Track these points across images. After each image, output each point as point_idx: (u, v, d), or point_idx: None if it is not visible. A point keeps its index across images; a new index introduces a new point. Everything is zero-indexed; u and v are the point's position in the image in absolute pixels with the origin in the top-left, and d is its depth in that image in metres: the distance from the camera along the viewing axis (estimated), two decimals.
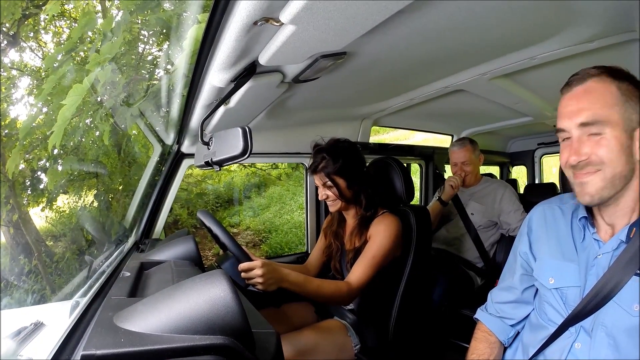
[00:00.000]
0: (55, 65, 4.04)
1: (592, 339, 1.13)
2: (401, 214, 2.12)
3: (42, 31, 5.59)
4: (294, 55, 1.27)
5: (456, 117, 3.55)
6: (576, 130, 1.11)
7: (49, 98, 3.95)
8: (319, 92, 2.04)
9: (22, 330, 1.13)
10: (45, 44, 5.69)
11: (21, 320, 1.19)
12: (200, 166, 1.63)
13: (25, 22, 5.03)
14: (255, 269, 1.61)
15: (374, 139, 3.30)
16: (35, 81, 5.09)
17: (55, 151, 4.28)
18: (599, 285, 1.11)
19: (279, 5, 0.94)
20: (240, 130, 1.21)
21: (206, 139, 1.47)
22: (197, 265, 1.44)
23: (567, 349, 1.17)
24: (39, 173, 4.71)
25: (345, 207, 2.10)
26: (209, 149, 1.44)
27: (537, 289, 1.38)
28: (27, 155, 4.41)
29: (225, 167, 1.68)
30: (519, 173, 5.75)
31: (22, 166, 4.47)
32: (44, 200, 5.02)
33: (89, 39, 4.12)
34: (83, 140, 4.62)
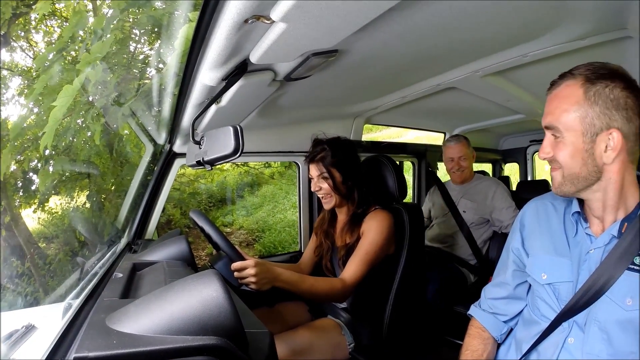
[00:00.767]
0: (46, 64, 4.02)
1: (585, 333, 1.14)
2: (394, 211, 2.12)
3: (33, 30, 5.56)
4: (285, 53, 1.27)
5: (448, 115, 3.55)
6: (545, 130, 1.20)
7: (40, 98, 3.92)
8: (311, 90, 2.04)
9: (14, 333, 1.13)
10: (36, 43, 5.66)
11: (13, 323, 1.18)
12: (192, 165, 1.63)
13: (16, 22, 5.00)
14: (248, 269, 1.59)
15: (366, 137, 3.30)
16: (26, 81, 5.06)
17: (47, 152, 4.25)
18: (592, 280, 1.13)
19: (269, 3, 0.93)
20: (231, 129, 1.21)
21: (198, 138, 1.47)
22: (189, 265, 1.43)
23: (561, 344, 1.18)
24: (30, 174, 4.68)
25: (339, 204, 2.10)
26: (200, 148, 1.44)
27: (530, 285, 1.39)
28: (18, 156, 4.38)
29: (217, 166, 1.67)
30: (512, 170, 5.78)
31: (13, 167, 4.44)
32: (35, 201, 4.99)
33: (79, 38, 4.10)
34: (74, 140, 4.60)
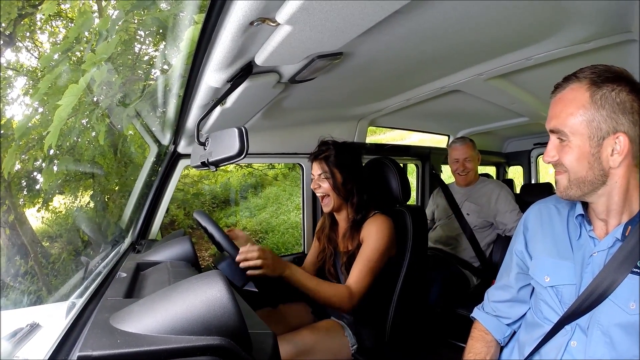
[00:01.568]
0: (51, 64, 4.03)
1: (587, 337, 1.14)
2: (397, 214, 2.13)
3: (38, 31, 5.57)
4: (290, 55, 1.27)
5: (452, 118, 3.55)
6: (550, 134, 1.19)
7: (45, 98, 3.93)
8: (316, 93, 2.04)
9: (18, 331, 1.13)
10: (42, 43, 5.67)
11: (17, 321, 1.18)
12: (197, 167, 1.63)
13: (22, 22, 5.01)
14: (250, 252, 1.62)
15: (370, 139, 3.30)
16: (31, 81, 5.08)
17: (51, 152, 4.26)
18: (595, 283, 1.12)
19: (275, 6, 0.94)
20: (236, 130, 1.21)
21: (202, 140, 1.47)
22: (193, 265, 1.43)
23: (563, 347, 1.18)
24: (35, 173, 4.70)
25: (338, 207, 2.10)
26: (205, 149, 1.44)
27: (533, 288, 1.39)
28: (23, 156, 4.39)
29: (221, 168, 1.68)
30: (515, 173, 5.76)
31: (17, 166, 4.46)
32: (40, 200, 5.00)
33: (85, 38, 4.11)
34: (79, 140, 4.61)
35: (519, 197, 3.54)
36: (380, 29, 1.27)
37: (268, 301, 2.22)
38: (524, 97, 2.64)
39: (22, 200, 4.81)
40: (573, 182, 1.16)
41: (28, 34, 5.43)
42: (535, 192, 4.10)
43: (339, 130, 2.90)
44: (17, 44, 5.14)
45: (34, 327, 1.18)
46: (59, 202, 5.37)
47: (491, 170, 5.28)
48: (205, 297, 0.74)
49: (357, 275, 1.90)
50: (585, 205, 1.25)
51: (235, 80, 1.37)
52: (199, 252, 7.80)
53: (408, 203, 2.28)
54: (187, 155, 2.32)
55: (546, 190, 4.09)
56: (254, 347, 0.78)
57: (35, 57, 5.45)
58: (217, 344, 0.69)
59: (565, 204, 1.33)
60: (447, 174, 3.71)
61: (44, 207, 5.18)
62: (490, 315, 1.48)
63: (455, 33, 1.50)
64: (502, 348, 1.48)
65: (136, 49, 5.22)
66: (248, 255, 1.61)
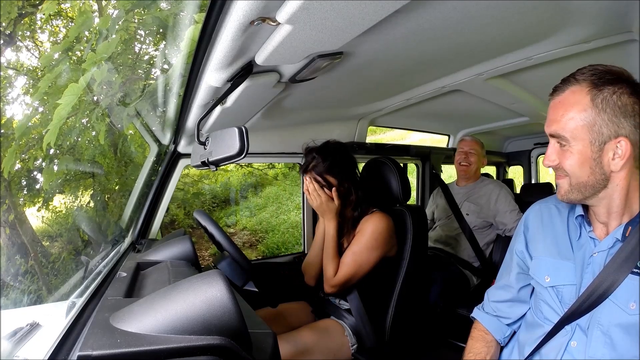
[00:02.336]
0: (51, 64, 4.03)
1: (588, 337, 1.14)
2: (397, 213, 2.13)
3: (39, 30, 5.57)
4: (290, 55, 1.27)
5: (453, 117, 3.56)
6: (550, 137, 1.18)
7: (45, 97, 3.93)
8: (316, 92, 2.04)
9: (18, 331, 1.13)
10: (42, 43, 5.67)
11: (17, 320, 1.18)
12: (197, 166, 1.63)
13: (22, 22, 5.01)
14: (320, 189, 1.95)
15: (370, 139, 3.31)
16: (31, 81, 5.07)
17: (52, 151, 4.26)
18: (595, 284, 1.12)
19: (275, 5, 0.94)
20: (236, 130, 1.21)
21: (202, 139, 1.47)
22: (193, 265, 1.43)
23: (563, 347, 1.18)
24: (35, 173, 4.69)
25: (340, 209, 2.09)
26: (205, 148, 1.44)
27: (533, 288, 1.39)
28: (23, 155, 4.39)
29: (221, 167, 1.68)
30: (516, 173, 5.76)
31: (17, 166, 4.45)
32: (40, 200, 5.00)
33: (85, 38, 4.10)
34: (79, 140, 4.60)
35: (519, 197, 3.55)
36: (381, 29, 1.27)
37: (268, 301, 2.22)
38: (524, 97, 2.64)
39: (22, 199, 4.81)
40: (574, 186, 1.15)
41: (28, 33, 5.43)
42: (536, 192, 4.10)
43: (339, 130, 2.90)
44: (17, 43, 5.13)
45: (33, 327, 1.18)
46: (59, 201, 5.37)
47: (491, 170, 5.28)
48: (205, 296, 0.74)
49: (340, 266, 1.98)
50: (586, 206, 1.25)
51: (235, 80, 1.37)
52: (199, 252, 7.81)
53: (408, 203, 2.28)
54: (187, 155, 2.32)
55: (546, 190, 4.09)
56: (254, 346, 0.79)
57: (36, 57, 5.45)
58: (217, 344, 0.70)
59: (566, 204, 1.33)
60: (447, 174, 3.72)
61: (44, 207, 5.17)
62: (490, 315, 1.48)
63: (456, 33, 1.50)
64: (502, 348, 1.48)
65: (136, 49, 5.22)
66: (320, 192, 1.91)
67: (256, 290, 1.70)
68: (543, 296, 1.28)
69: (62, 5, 5.36)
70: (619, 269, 1.09)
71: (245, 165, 9.93)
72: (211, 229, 1.74)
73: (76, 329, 1.01)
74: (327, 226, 2.02)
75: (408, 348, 2.20)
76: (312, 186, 2.01)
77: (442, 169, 4.21)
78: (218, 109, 1.70)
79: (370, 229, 1.97)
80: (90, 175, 5.11)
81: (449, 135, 4.21)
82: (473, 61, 1.96)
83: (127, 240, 2.21)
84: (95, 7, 4.70)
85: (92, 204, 5.12)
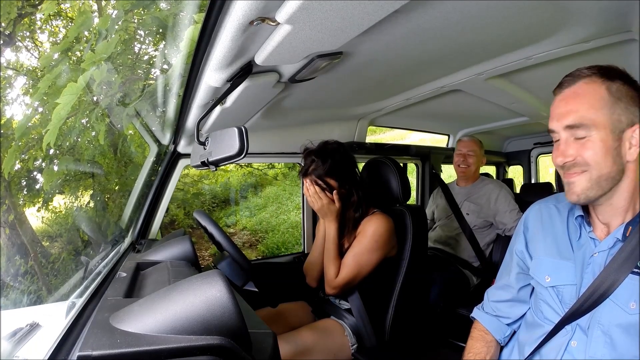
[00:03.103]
0: (51, 64, 4.03)
1: (588, 337, 1.14)
2: (397, 213, 2.13)
3: (38, 31, 5.57)
4: (290, 55, 1.27)
5: (452, 117, 3.56)
6: (563, 132, 1.14)
7: (45, 98, 3.93)
8: (315, 92, 2.04)
9: (18, 331, 1.13)
10: (41, 43, 5.67)
11: (17, 321, 1.18)
12: (197, 166, 1.63)
13: (21, 22, 5.01)
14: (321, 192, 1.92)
15: (370, 138, 3.31)
16: (31, 81, 5.07)
17: (51, 151, 4.26)
18: (596, 284, 1.12)
19: (275, 5, 0.94)
20: (236, 130, 1.21)
21: (202, 139, 1.47)
22: (193, 265, 1.43)
23: (564, 347, 1.18)
24: (34, 173, 4.69)
25: (342, 210, 2.09)
26: (205, 149, 1.44)
27: (533, 288, 1.39)
28: (22, 155, 4.39)
29: (221, 167, 1.68)
30: (515, 173, 5.76)
31: (17, 166, 4.45)
32: (39, 200, 5.00)
33: (85, 38, 4.10)
34: (79, 140, 4.60)
35: (518, 197, 3.54)
36: (380, 29, 1.27)
37: (268, 301, 2.22)
38: (524, 96, 2.64)
39: (22, 200, 4.81)
40: (595, 181, 1.11)
41: (28, 33, 5.43)
42: (535, 191, 4.10)
43: (338, 129, 2.90)
44: (16, 43, 5.13)
45: (33, 327, 1.18)
46: (59, 201, 5.37)
47: (491, 169, 5.29)
48: (205, 296, 0.74)
49: (342, 268, 1.99)
50: (585, 206, 1.24)
51: (235, 80, 1.37)
52: (199, 252, 7.81)
53: (408, 203, 2.28)
54: (187, 155, 2.32)
55: (546, 190, 4.10)
56: (253, 346, 0.79)
57: (35, 57, 5.45)
58: (217, 344, 0.70)
59: (565, 204, 1.33)
60: (447, 174, 3.73)
61: (44, 207, 5.17)
62: (490, 315, 1.48)
63: (456, 33, 1.50)
64: (502, 348, 1.48)
65: (136, 49, 5.22)
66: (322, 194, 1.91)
67: (256, 290, 1.70)
68: (543, 296, 1.28)
69: (62, 6, 5.36)
70: (620, 269, 1.09)
71: (245, 165, 9.93)
72: (211, 229, 1.74)
73: (76, 329, 1.01)
74: (328, 228, 2.02)
75: (408, 348, 2.20)
76: (313, 189, 2.00)
77: (442, 168, 4.21)
78: (218, 109, 1.70)
79: (372, 231, 1.97)
80: (90, 175, 5.11)
81: (448, 135, 4.21)
82: (473, 61, 1.96)
83: (127, 241, 2.21)
84: (95, 7, 4.70)
85: (92, 204, 5.12)
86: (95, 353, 0.66)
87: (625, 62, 1.17)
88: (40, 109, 4.37)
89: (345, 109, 2.67)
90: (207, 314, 0.72)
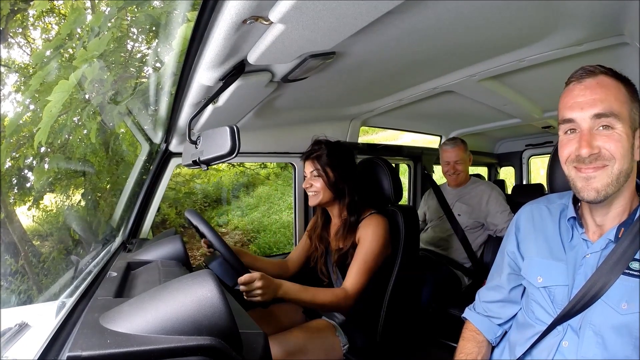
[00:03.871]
0: (43, 61, 4.00)
1: (579, 337, 1.14)
2: (389, 214, 2.13)
3: (31, 27, 5.53)
4: (283, 54, 1.27)
5: (445, 118, 3.56)
6: (589, 121, 1.08)
7: (36, 95, 3.91)
8: (308, 92, 2.04)
9: (7, 331, 1.12)
10: (34, 40, 5.63)
11: (6, 320, 1.17)
12: (188, 165, 1.63)
13: (14, 18, 4.97)
14: (254, 282, 1.60)
15: (362, 139, 3.31)
16: (22, 78, 5.04)
17: (42, 149, 4.23)
18: (588, 285, 1.12)
19: (268, 4, 0.94)
20: (228, 129, 1.21)
21: (194, 138, 1.46)
22: (184, 265, 1.43)
23: (555, 347, 1.18)
24: (25, 171, 4.66)
25: (327, 202, 2.11)
26: (196, 147, 1.44)
27: (524, 289, 1.39)
28: (13, 153, 4.36)
29: (213, 167, 1.68)
30: (507, 174, 5.79)
31: (8, 164, 4.42)
32: (30, 199, 4.96)
33: (77, 35, 4.08)
34: (70, 138, 4.58)
35: (510, 198, 3.56)
36: (373, 29, 1.27)
37: (259, 301, 2.22)
38: (516, 98, 2.65)
39: (12, 198, 4.78)
40: (615, 176, 1.07)
41: (20, 30, 5.39)
42: (527, 193, 4.12)
43: (331, 130, 2.90)
44: (8, 40, 5.10)
45: (23, 327, 1.17)
46: (50, 200, 5.34)
47: (483, 171, 5.31)
48: (195, 296, 0.74)
49: (353, 276, 1.92)
50: (577, 207, 1.25)
51: (227, 79, 1.36)
52: (191, 252, 7.78)
53: (400, 203, 2.28)
54: (179, 154, 2.31)
55: (538, 191, 4.11)
56: (244, 347, 0.78)
57: (27, 54, 5.42)
58: (208, 344, 0.69)
59: (557, 205, 1.33)
60: (438, 174, 3.73)
61: (35, 205, 5.14)
62: (481, 316, 1.48)
63: (448, 34, 1.51)
64: (493, 348, 1.49)
65: (128, 47, 5.19)
66: (251, 286, 1.61)
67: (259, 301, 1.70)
68: (535, 296, 1.29)
69: (55, 2, 5.33)
70: (612, 270, 1.09)
71: (237, 164, 9.91)
72: (202, 228, 1.74)
73: (66, 329, 1.01)
74: (282, 296, 1.74)
75: (400, 348, 2.20)
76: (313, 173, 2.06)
77: (434, 169, 4.23)
78: (210, 108, 1.69)
79: (375, 235, 1.97)
80: (81, 174, 5.08)
81: (440, 136, 4.22)
82: (465, 62, 1.97)
83: (118, 240, 2.20)
84: (88, 4, 4.68)
85: (83, 203, 5.09)
86: (85, 353, 0.65)
87: (618, 66, 1.17)
88: (32, 107, 4.34)
89: (337, 109, 2.67)
90: (197, 314, 0.72)
